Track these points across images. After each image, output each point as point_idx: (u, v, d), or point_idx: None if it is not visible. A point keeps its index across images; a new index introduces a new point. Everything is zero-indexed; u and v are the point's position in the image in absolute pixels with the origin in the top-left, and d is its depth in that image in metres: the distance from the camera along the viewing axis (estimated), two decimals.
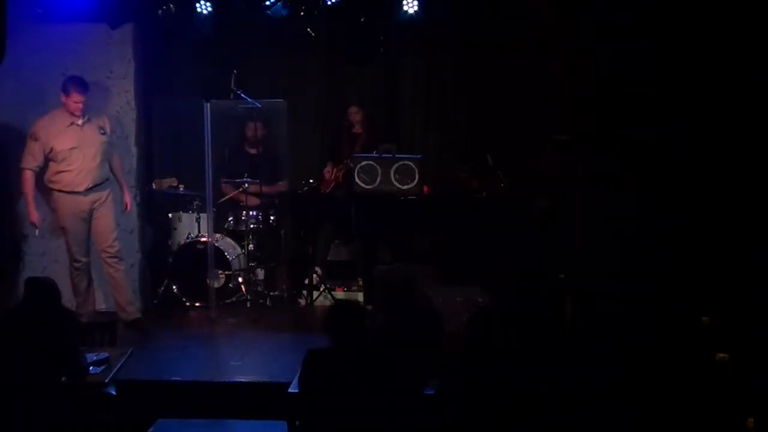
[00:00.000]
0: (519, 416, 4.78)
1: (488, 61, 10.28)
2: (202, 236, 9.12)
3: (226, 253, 9.13)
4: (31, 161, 7.94)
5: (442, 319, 5.95)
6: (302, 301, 9.25)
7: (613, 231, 7.89)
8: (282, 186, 9.60)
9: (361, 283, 9.32)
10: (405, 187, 8.96)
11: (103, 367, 5.74)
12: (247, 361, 7.63)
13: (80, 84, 7.90)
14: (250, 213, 9.27)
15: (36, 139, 7.89)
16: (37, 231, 8.28)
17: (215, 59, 10.18)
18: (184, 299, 9.12)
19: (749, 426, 5.97)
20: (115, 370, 5.78)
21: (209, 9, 9.03)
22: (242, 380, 7.03)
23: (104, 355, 5.90)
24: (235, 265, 9.20)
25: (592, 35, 8.01)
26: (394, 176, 8.94)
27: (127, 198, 8.36)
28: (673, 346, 6.96)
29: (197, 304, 9.07)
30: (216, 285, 8.95)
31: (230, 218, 9.38)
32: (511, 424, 4.76)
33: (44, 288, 5.58)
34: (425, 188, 9.41)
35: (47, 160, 7.93)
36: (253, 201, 9.40)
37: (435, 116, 10.65)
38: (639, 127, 7.81)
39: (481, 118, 10.40)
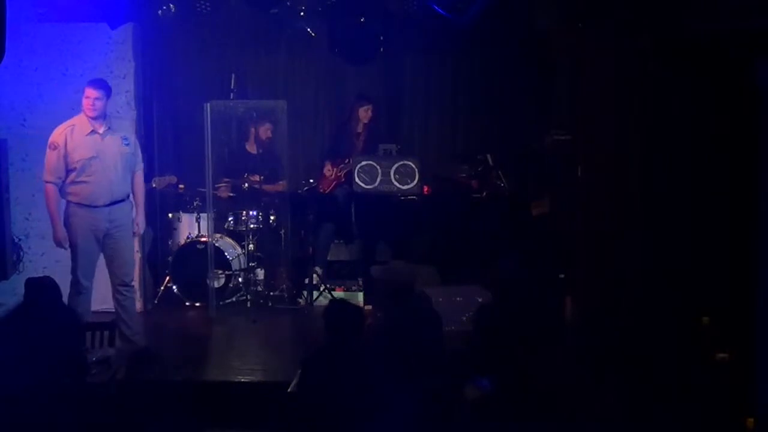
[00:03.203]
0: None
1: (488, 61, 10.31)
2: (202, 236, 9.12)
3: (226, 253, 9.13)
4: (51, 173, 7.29)
5: (441, 319, 5.94)
6: (302, 301, 9.25)
7: (613, 231, 7.88)
8: (282, 186, 9.60)
9: (360, 282, 9.31)
10: (405, 187, 8.97)
11: (103, 367, 5.74)
12: (247, 361, 7.63)
13: (97, 82, 7.41)
14: (250, 213, 9.26)
15: (54, 148, 7.27)
16: (66, 247, 7.45)
17: (215, 59, 10.22)
18: (184, 299, 9.12)
19: (749, 426, 5.98)
20: (115, 370, 5.78)
21: (209, 9, 9.02)
22: (242, 380, 7.03)
23: (104, 355, 5.90)
24: (235, 265, 9.20)
25: (594, 35, 8.01)
26: (394, 176, 8.95)
27: (140, 218, 7.70)
28: (674, 346, 6.96)
29: (197, 304, 9.06)
30: (216, 285, 8.95)
31: (230, 218, 9.37)
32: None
33: (45, 288, 5.57)
34: (425, 188, 9.43)
35: (67, 171, 7.30)
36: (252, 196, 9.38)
37: (435, 116, 10.67)
38: (640, 127, 7.81)
39: (481, 118, 10.42)
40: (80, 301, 7.34)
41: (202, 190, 8.94)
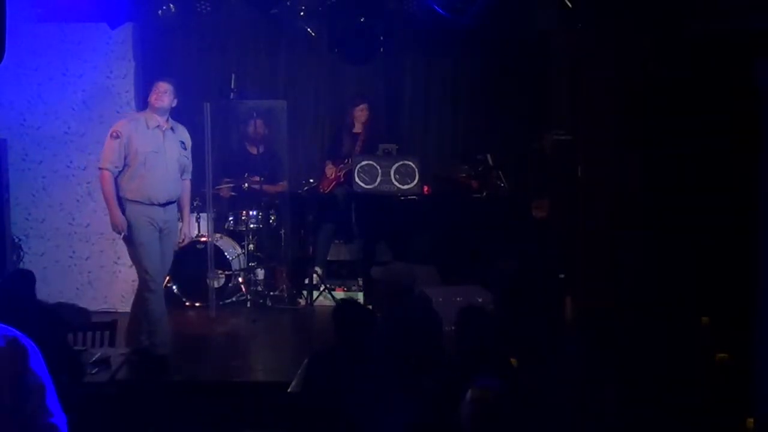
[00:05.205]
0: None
1: (489, 61, 10.31)
2: (202, 236, 9.11)
3: (226, 253, 9.12)
4: (110, 161, 7.13)
5: (441, 319, 5.94)
6: (302, 301, 9.25)
7: (613, 231, 7.88)
8: (282, 186, 9.59)
9: (361, 282, 9.32)
10: (405, 186, 8.97)
11: (103, 366, 5.73)
12: (247, 361, 7.63)
13: (167, 76, 7.42)
14: (250, 213, 9.26)
15: (117, 137, 7.12)
16: (122, 234, 7.24)
17: (215, 59, 10.22)
18: (184, 299, 9.10)
19: (749, 426, 5.97)
20: (115, 370, 5.77)
21: (209, 9, 9.01)
22: (242, 380, 7.02)
23: (104, 355, 5.89)
24: (235, 265, 9.20)
25: (594, 35, 8.01)
26: (394, 176, 8.94)
27: (186, 228, 7.68)
28: (674, 346, 6.96)
29: (197, 304, 9.05)
30: (216, 285, 8.94)
31: (230, 218, 9.37)
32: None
33: (18, 280, 5.51)
34: (425, 188, 9.43)
35: (125, 164, 7.16)
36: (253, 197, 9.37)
37: (435, 116, 10.67)
38: (640, 127, 7.81)
39: (481, 117, 10.42)
40: (154, 300, 7.22)
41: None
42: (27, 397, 3.62)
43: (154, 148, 7.18)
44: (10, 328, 3.66)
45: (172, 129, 7.34)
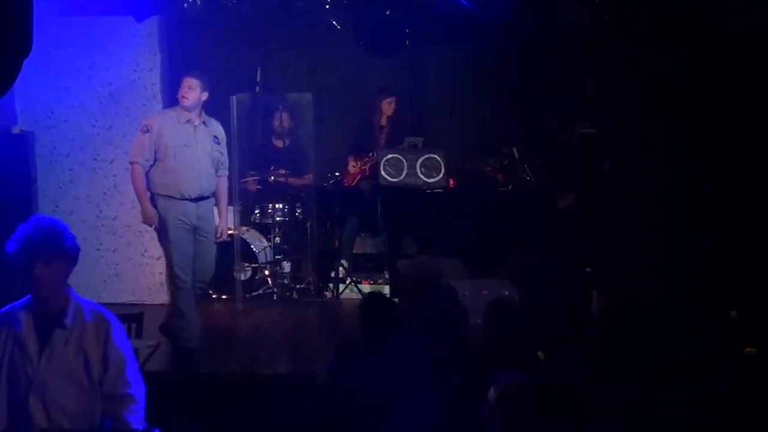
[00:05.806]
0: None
1: (514, 54, 10.27)
2: (229, 229, 9.11)
3: (252, 246, 9.15)
4: (139, 154, 7.07)
5: (468, 312, 5.93)
6: (328, 294, 9.26)
7: (640, 225, 7.86)
8: (308, 179, 9.59)
9: (386, 275, 9.31)
10: (431, 180, 8.95)
11: None
12: (274, 353, 7.64)
13: (194, 72, 7.26)
14: (276, 206, 9.25)
15: (147, 131, 7.06)
16: (153, 226, 7.14)
17: (241, 52, 10.23)
18: (210, 292, 9.10)
19: None
20: (143, 361, 5.79)
21: (234, 2, 9.02)
22: (269, 373, 7.02)
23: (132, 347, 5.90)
24: (262, 258, 9.21)
25: (613, 30, 7.99)
26: (420, 169, 8.93)
27: (223, 224, 7.39)
28: (701, 340, 6.93)
29: (224, 297, 9.07)
30: (242, 278, 8.97)
31: (256, 211, 9.38)
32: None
33: None
34: (451, 181, 9.41)
35: (156, 158, 7.08)
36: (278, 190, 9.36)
37: (460, 109, 10.66)
38: (665, 122, 7.78)
39: (506, 111, 10.39)
40: (182, 296, 7.12)
41: None
42: (108, 368, 3.93)
43: (184, 141, 7.10)
44: (95, 303, 4.00)
45: (204, 123, 7.24)
